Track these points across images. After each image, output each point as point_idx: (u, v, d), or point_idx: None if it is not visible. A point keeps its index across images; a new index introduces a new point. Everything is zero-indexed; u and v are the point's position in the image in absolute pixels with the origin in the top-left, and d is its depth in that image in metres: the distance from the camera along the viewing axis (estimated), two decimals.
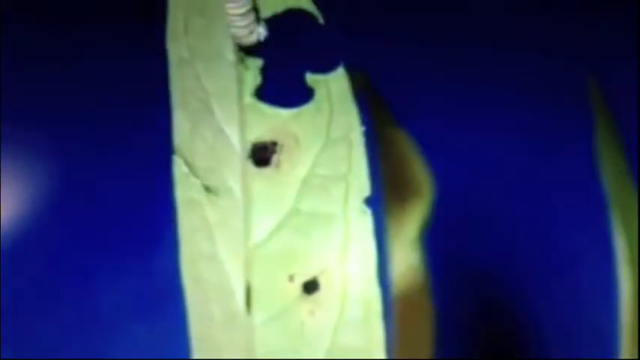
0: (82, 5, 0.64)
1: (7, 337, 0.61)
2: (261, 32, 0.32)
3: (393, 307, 0.50)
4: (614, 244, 0.49)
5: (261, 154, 0.33)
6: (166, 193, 0.34)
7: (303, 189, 0.33)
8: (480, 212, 0.65)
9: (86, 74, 0.64)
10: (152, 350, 0.61)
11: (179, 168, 0.34)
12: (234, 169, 0.33)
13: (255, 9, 0.32)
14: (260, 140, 0.33)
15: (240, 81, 0.33)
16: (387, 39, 0.65)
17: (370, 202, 0.32)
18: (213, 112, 0.33)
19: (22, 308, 0.63)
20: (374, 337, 0.32)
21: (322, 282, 0.33)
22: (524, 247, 0.66)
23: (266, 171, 0.33)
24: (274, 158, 0.33)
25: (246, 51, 0.32)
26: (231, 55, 0.33)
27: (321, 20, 0.32)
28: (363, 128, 0.32)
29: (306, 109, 0.32)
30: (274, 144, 0.33)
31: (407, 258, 0.51)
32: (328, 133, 0.32)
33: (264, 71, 0.33)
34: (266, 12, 0.33)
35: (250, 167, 0.33)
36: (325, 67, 0.32)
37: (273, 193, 0.33)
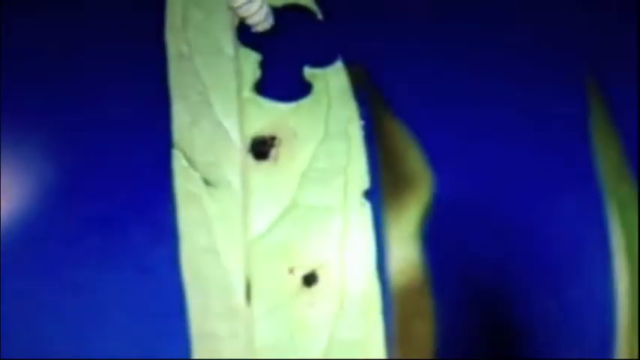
0: (80, 3, 0.64)
1: (7, 337, 0.61)
2: (270, 18, 0.32)
3: (392, 300, 0.51)
4: (612, 238, 0.49)
5: (261, 148, 0.33)
6: (166, 187, 0.34)
7: (303, 182, 0.33)
8: (478, 206, 0.65)
9: (85, 69, 0.64)
10: (152, 344, 0.61)
11: (178, 161, 0.34)
12: (234, 162, 0.33)
13: None
14: (259, 134, 0.33)
15: (239, 75, 0.33)
16: (386, 33, 0.65)
17: (369, 195, 0.32)
18: (212, 106, 0.33)
19: (22, 304, 0.63)
20: (373, 330, 0.32)
21: (321, 275, 0.33)
22: (523, 241, 0.66)
23: (265, 164, 0.33)
24: (273, 152, 0.33)
25: (245, 40, 0.32)
26: (230, 49, 0.33)
27: (319, 15, 0.32)
28: (361, 122, 0.32)
29: (305, 103, 0.32)
30: (273, 138, 0.33)
31: (406, 250, 0.51)
32: (327, 126, 0.32)
33: (263, 65, 0.32)
34: None
35: (249, 161, 0.33)
36: (324, 62, 0.32)
37: (273, 186, 0.33)
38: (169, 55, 0.33)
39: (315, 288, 0.33)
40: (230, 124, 0.33)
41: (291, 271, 0.33)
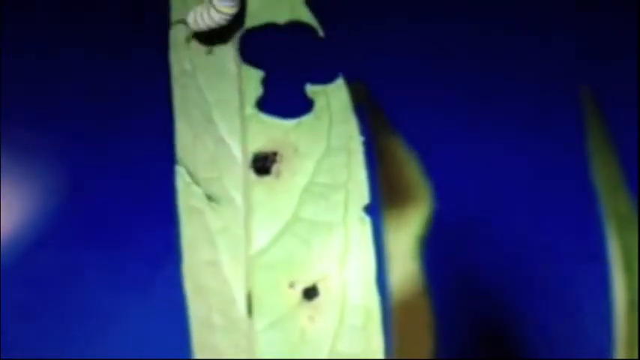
0: (87, 18, 0.64)
1: (8, 345, 0.61)
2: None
3: (392, 314, 0.50)
4: (610, 254, 0.49)
5: (262, 164, 0.33)
6: (169, 202, 0.34)
7: (304, 197, 0.33)
8: (477, 221, 0.65)
9: (90, 86, 0.64)
10: (155, 356, 0.61)
11: (182, 177, 0.34)
12: (236, 178, 0.33)
13: None
14: (261, 150, 0.33)
15: (241, 92, 0.33)
16: (386, 51, 0.65)
17: (369, 210, 0.32)
18: (215, 122, 0.33)
19: (25, 316, 0.63)
20: (373, 344, 0.32)
21: (322, 289, 0.33)
22: (521, 256, 0.66)
23: (267, 180, 0.33)
24: (275, 167, 0.33)
25: (247, 57, 0.32)
26: (232, 66, 0.33)
27: (320, 33, 0.32)
28: (362, 138, 0.32)
29: (307, 119, 0.33)
30: (275, 153, 0.33)
31: (406, 265, 0.51)
32: (328, 142, 0.32)
33: (265, 82, 0.33)
34: (267, 25, 0.33)
35: (251, 176, 0.33)
36: (325, 79, 0.32)
37: (274, 201, 0.33)
38: (173, 73, 0.33)
39: (315, 301, 0.33)
40: (232, 141, 0.33)
41: (291, 285, 0.33)
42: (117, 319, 0.63)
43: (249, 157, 0.33)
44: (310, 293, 0.33)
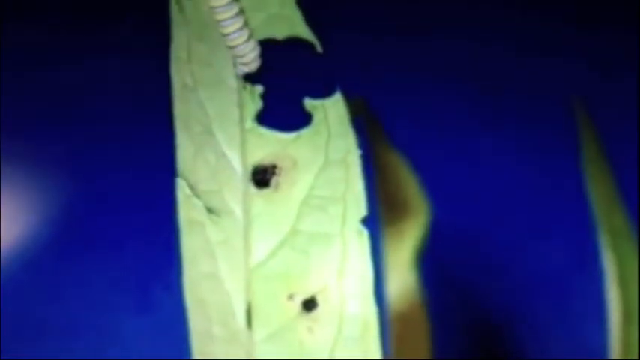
0: (88, 31, 0.65)
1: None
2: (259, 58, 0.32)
3: (390, 325, 0.50)
4: (605, 268, 0.49)
5: (262, 177, 0.33)
6: (170, 215, 0.34)
7: (302, 210, 0.33)
8: (474, 234, 0.65)
9: (92, 99, 0.64)
10: None
11: (182, 190, 0.34)
12: (236, 191, 0.33)
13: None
14: (260, 163, 0.33)
15: (241, 106, 0.33)
16: (383, 65, 0.65)
17: (367, 222, 0.32)
18: (216, 136, 0.33)
19: (24, 327, 0.63)
20: (371, 355, 0.32)
21: (320, 300, 0.33)
22: (517, 268, 0.66)
23: (266, 193, 0.33)
24: (274, 180, 0.33)
25: (247, 77, 0.33)
26: (232, 81, 0.33)
27: (319, 48, 0.32)
28: (359, 151, 0.32)
29: (305, 133, 0.33)
30: (274, 167, 0.33)
31: (403, 277, 0.51)
32: (326, 155, 0.33)
33: (265, 97, 0.33)
34: (266, 40, 0.33)
35: (251, 189, 0.33)
36: (323, 93, 0.32)
37: (273, 214, 0.33)
38: (174, 87, 0.33)
39: (314, 313, 0.33)
40: (232, 154, 0.33)
41: (290, 296, 0.33)
42: (116, 330, 0.63)
43: (249, 170, 0.33)
44: (309, 305, 0.33)
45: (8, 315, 0.62)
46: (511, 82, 0.66)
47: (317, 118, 0.32)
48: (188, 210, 0.34)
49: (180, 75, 0.33)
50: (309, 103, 0.32)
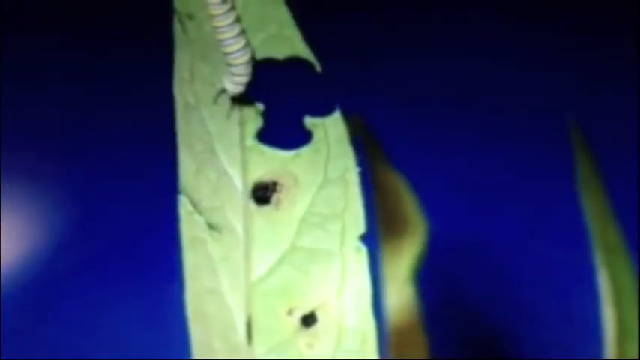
0: (92, 49, 0.65)
1: None
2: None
3: (388, 340, 0.50)
4: (599, 283, 0.49)
5: (262, 194, 0.33)
6: (172, 231, 0.34)
7: (302, 226, 0.33)
8: (470, 250, 0.65)
9: (96, 118, 0.64)
10: None
11: (184, 207, 0.34)
12: (237, 207, 0.33)
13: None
14: (261, 180, 0.33)
15: (242, 124, 0.33)
16: (382, 85, 0.65)
17: (365, 239, 0.32)
18: (217, 154, 0.33)
19: (26, 346, 0.63)
20: None
21: (320, 315, 0.33)
22: (513, 284, 0.66)
23: (266, 209, 0.33)
24: (274, 197, 0.33)
25: (248, 91, 0.33)
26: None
27: (318, 68, 0.32)
28: (358, 169, 0.33)
29: (305, 150, 0.33)
30: (274, 184, 0.33)
31: (401, 292, 0.51)
32: (326, 173, 0.33)
33: (265, 115, 0.33)
34: (266, 60, 0.33)
35: (252, 206, 0.33)
36: (322, 112, 0.32)
37: (273, 230, 0.33)
38: (177, 106, 0.33)
39: (313, 328, 0.33)
40: (234, 171, 0.33)
41: (290, 312, 0.33)
42: (119, 345, 0.63)
43: (250, 187, 0.33)
44: (308, 320, 0.33)
45: (11, 330, 0.62)
46: (508, 101, 0.66)
47: (317, 136, 0.33)
48: (190, 226, 0.34)
49: (182, 94, 0.33)
50: (309, 121, 0.32)
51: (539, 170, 0.65)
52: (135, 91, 0.64)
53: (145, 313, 0.63)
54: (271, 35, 0.32)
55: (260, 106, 0.33)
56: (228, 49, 0.31)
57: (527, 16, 0.67)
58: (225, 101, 0.33)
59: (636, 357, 0.47)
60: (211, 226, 0.33)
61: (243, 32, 0.32)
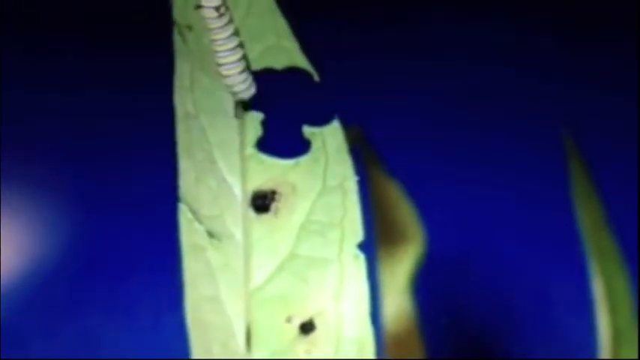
0: (93, 60, 0.65)
1: None
2: (253, 85, 0.33)
3: (386, 347, 0.50)
4: (594, 290, 0.49)
5: (262, 202, 0.33)
6: (172, 239, 0.34)
7: (301, 234, 0.33)
8: (467, 259, 0.65)
9: (96, 127, 0.64)
10: None
11: (184, 215, 0.34)
12: (236, 216, 0.33)
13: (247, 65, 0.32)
14: (260, 189, 0.33)
15: (241, 133, 0.33)
16: (379, 95, 0.65)
17: (364, 247, 0.32)
18: (217, 162, 0.33)
19: (27, 352, 0.63)
20: None
21: (318, 323, 0.33)
22: (510, 291, 0.66)
23: (266, 218, 0.33)
24: (273, 206, 0.33)
25: (246, 105, 0.33)
26: (233, 109, 0.33)
27: (316, 78, 0.32)
28: (356, 178, 0.33)
29: (304, 159, 0.33)
30: (274, 192, 0.33)
31: (399, 300, 0.50)
32: (324, 182, 0.33)
33: (265, 124, 0.33)
34: (265, 70, 0.33)
35: (251, 214, 0.33)
36: (321, 121, 0.32)
37: (273, 238, 0.33)
38: (177, 115, 0.33)
39: (312, 336, 0.33)
40: (233, 180, 0.33)
41: (289, 319, 0.33)
42: (119, 352, 0.62)
43: (249, 195, 0.33)
44: (307, 327, 0.33)
45: (11, 337, 0.62)
46: (505, 110, 0.66)
47: (315, 145, 0.32)
48: (190, 234, 0.34)
49: (183, 103, 0.33)
50: (307, 130, 0.32)
51: (535, 179, 0.65)
52: (136, 100, 0.64)
53: (144, 321, 0.63)
54: (269, 46, 0.32)
55: (259, 116, 0.33)
56: (222, 61, 0.32)
57: (526, 25, 0.67)
58: (225, 111, 0.33)
59: None
60: (211, 234, 0.33)
61: (240, 45, 0.32)
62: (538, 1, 0.67)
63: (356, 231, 0.32)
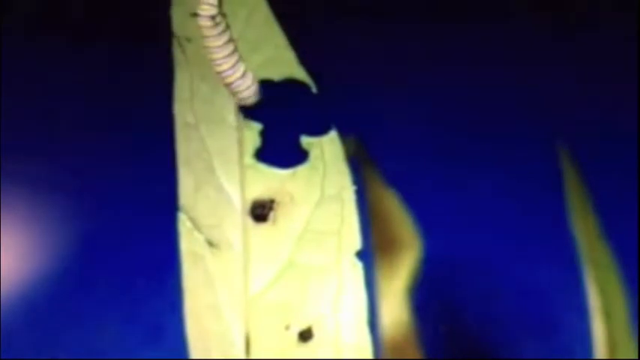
0: (93, 70, 0.65)
1: None
2: (258, 92, 0.33)
3: (383, 354, 0.50)
4: (589, 298, 0.49)
5: (260, 211, 0.33)
6: (172, 247, 0.34)
7: (299, 243, 0.33)
8: (464, 266, 0.65)
9: (97, 137, 0.64)
10: None
11: (184, 224, 0.34)
12: (235, 224, 0.33)
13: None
14: (259, 198, 0.33)
15: (240, 143, 0.33)
16: (376, 105, 0.65)
17: (361, 255, 0.32)
18: (216, 171, 0.33)
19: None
20: None
21: (317, 330, 0.33)
22: (506, 300, 0.66)
23: (264, 226, 0.33)
24: (272, 215, 0.33)
25: (247, 113, 0.33)
26: (232, 119, 0.33)
27: (314, 89, 0.32)
28: (354, 187, 0.33)
29: (302, 169, 0.33)
30: (272, 201, 0.33)
31: (396, 307, 0.50)
32: (322, 191, 0.33)
33: (263, 134, 0.33)
34: (264, 81, 0.33)
35: (250, 223, 0.33)
36: (319, 131, 0.33)
37: (271, 247, 0.33)
38: (177, 125, 0.34)
39: (310, 343, 0.33)
40: (232, 189, 0.33)
41: (287, 327, 0.33)
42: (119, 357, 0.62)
43: (248, 204, 0.33)
44: (305, 335, 0.33)
45: (12, 348, 0.61)
46: (500, 121, 0.66)
47: (313, 154, 0.33)
48: (189, 243, 0.34)
49: (182, 113, 0.33)
50: (306, 140, 0.33)
51: (532, 188, 0.65)
52: (136, 110, 0.64)
53: (144, 329, 0.62)
54: (268, 58, 0.32)
55: (258, 126, 0.33)
56: (219, 68, 0.32)
57: (523, 33, 0.67)
58: (224, 121, 0.33)
59: None
60: (210, 243, 0.33)
61: (235, 52, 0.32)
62: (535, 8, 0.67)
63: (354, 239, 0.33)
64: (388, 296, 0.50)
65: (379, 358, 0.49)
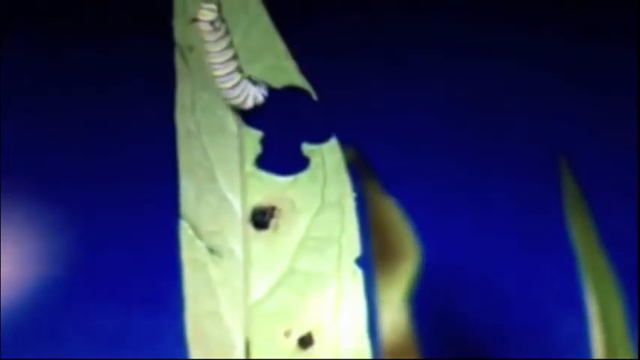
0: (93, 79, 0.65)
1: None
2: (258, 95, 0.33)
3: None
4: (587, 306, 0.49)
5: (261, 218, 0.33)
6: (173, 255, 0.34)
7: (299, 250, 0.33)
8: (463, 273, 0.65)
9: (99, 146, 0.65)
10: None
11: (185, 231, 0.34)
12: (236, 232, 0.33)
13: (248, 76, 0.32)
14: (260, 205, 0.33)
15: (241, 151, 0.33)
16: (375, 113, 0.66)
17: (361, 262, 0.32)
18: (217, 179, 0.33)
19: None
20: None
21: (316, 337, 0.33)
22: (506, 308, 0.66)
23: (265, 234, 0.33)
24: (272, 222, 0.33)
25: (247, 120, 0.33)
26: (234, 127, 0.33)
27: (314, 97, 0.32)
28: (354, 195, 0.33)
29: (302, 176, 0.33)
30: (273, 209, 0.33)
31: (396, 314, 0.50)
32: (322, 198, 0.33)
33: (264, 142, 0.33)
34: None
35: (250, 230, 0.33)
36: (319, 139, 0.33)
37: (272, 254, 0.33)
38: (178, 133, 0.34)
39: (310, 350, 0.33)
40: (233, 197, 0.33)
41: (287, 333, 0.33)
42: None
43: (249, 212, 0.33)
44: (305, 342, 0.33)
45: (17, 351, 0.61)
46: (500, 126, 0.66)
47: (314, 162, 0.33)
48: (191, 250, 0.34)
49: (184, 122, 0.33)
50: (306, 148, 0.33)
51: (530, 197, 0.65)
52: (138, 119, 0.64)
53: (145, 336, 0.62)
54: (268, 66, 0.32)
55: (259, 133, 0.33)
56: (217, 73, 0.32)
57: (523, 52, 0.67)
58: (225, 129, 0.33)
59: None
60: (211, 250, 0.33)
61: (234, 57, 0.32)
62: (534, 14, 0.68)
63: (354, 247, 0.33)
64: (388, 303, 0.50)
65: None
